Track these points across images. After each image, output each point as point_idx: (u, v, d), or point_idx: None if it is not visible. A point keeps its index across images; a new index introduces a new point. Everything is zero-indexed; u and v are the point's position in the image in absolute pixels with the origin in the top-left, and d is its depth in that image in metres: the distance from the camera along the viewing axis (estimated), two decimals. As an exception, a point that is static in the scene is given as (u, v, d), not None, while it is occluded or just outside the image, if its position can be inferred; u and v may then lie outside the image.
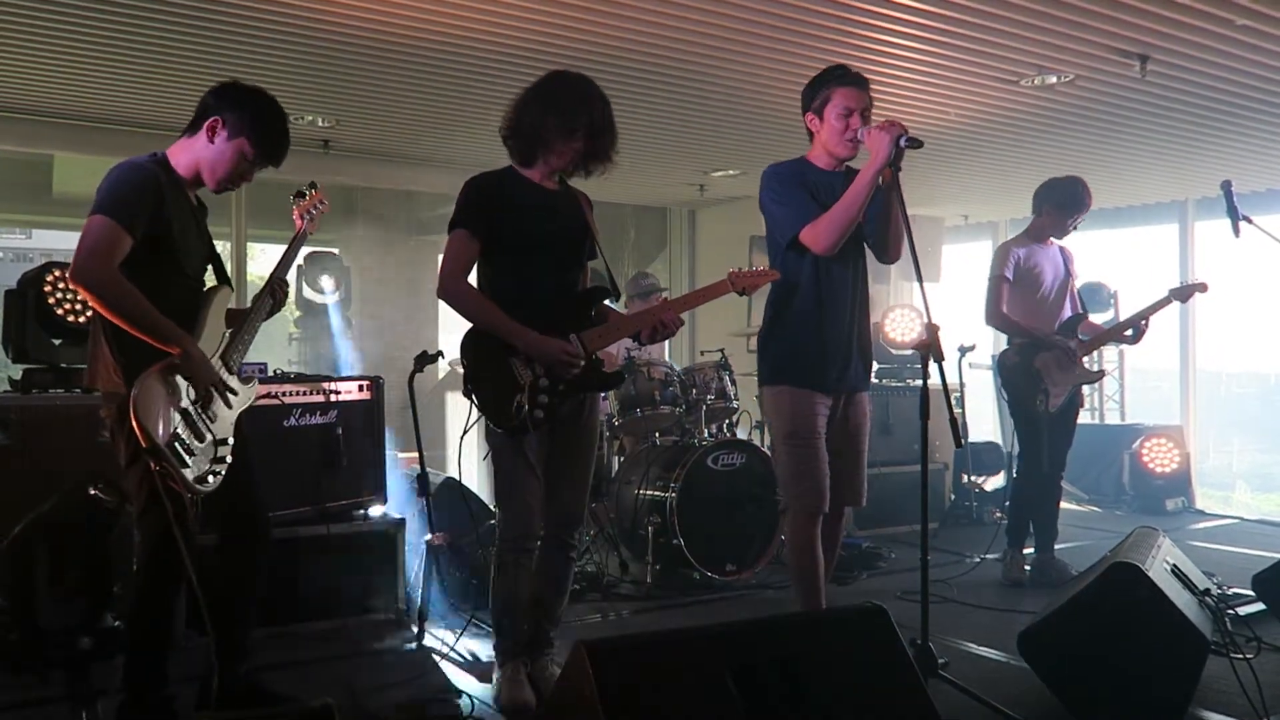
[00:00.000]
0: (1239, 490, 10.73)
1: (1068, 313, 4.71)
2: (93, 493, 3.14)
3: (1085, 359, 4.64)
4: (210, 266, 2.82)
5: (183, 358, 2.50)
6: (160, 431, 2.42)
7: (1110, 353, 8.41)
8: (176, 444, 2.45)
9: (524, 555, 3.05)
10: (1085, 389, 8.39)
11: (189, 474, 2.46)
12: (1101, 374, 5.02)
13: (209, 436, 2.57)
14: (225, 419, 2.65)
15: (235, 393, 2.67)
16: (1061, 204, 4.59)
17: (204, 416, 2.56)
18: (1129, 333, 4.69)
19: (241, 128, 2.64)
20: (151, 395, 2.43)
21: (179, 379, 2.51)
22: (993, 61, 4.77)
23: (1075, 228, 4.67)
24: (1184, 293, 4.62)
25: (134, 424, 2.38)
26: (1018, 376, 4.60)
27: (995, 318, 4.60)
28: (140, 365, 2.47)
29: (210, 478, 2.54)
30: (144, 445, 2.39)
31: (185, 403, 2.51)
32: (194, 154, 2.67)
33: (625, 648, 2.14)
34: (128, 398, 2.41)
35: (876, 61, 4.72)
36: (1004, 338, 4.80)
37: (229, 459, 2.61)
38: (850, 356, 3.19)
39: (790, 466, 3.15)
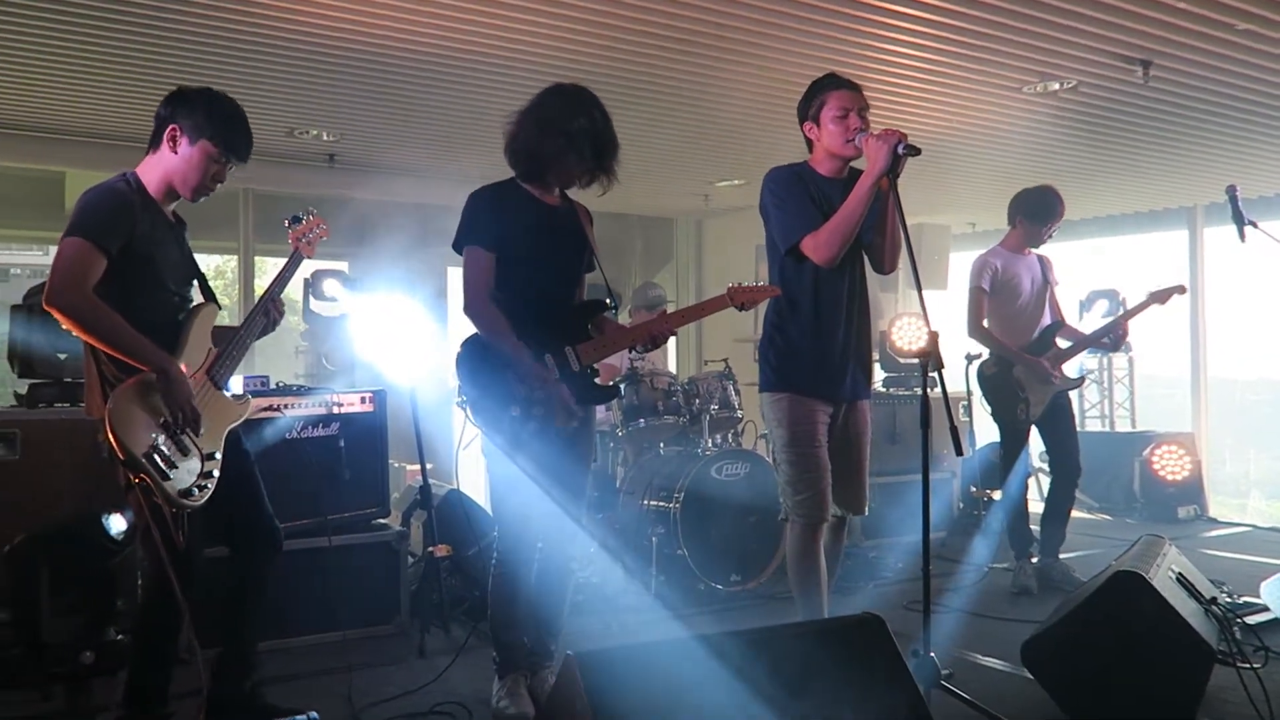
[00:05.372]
0: (1254, 498, 10.62)
1: (1047, 320, 4.70)
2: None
3: (1063, 366, 4.64)
4: (196, 283, 2.81)
5: (160, 376, 2.48)
6: (137, 443, 2.41)
7: (1120, 360, 8.36)
8: (156, 456, 2.43)
9: (523, 566, 3.04)
10: (1093, 395, 8.45)
11: (171, 488, 2.44)
12: (1081, 380, 5.01)
13: (194, 450, 2.55)
14: (213, 434, 2.63)
15: (199, 421, 2.56)
16: (1034, 214, 4.63)
17: (187, 430, 2.54)
18: (1107, 339, 4.69)
19: (200, 129, 2.62)
20: (128, 408, 2.42)
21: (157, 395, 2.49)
22: (995, 69, 4.76)
23: (1051, 236, 4.69)
24: (1162, 295, 4.62)
25: (110, 436, 2.37)
26: (997, 386, 4.62)
27: (975, 330, 4.64)
28: None
29: (196, 491, 2.51)
30: (121, 457, 2.38)
31: (166, 416, 2.50)
32: (162, 168, 2.66)
33: (617, 658, 2.13)
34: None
35: (880, 70, 4.73)
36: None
37: (216, 473, 2.59)
38: (849, 364, 3.17)
39: (791, 475, 3.12)
